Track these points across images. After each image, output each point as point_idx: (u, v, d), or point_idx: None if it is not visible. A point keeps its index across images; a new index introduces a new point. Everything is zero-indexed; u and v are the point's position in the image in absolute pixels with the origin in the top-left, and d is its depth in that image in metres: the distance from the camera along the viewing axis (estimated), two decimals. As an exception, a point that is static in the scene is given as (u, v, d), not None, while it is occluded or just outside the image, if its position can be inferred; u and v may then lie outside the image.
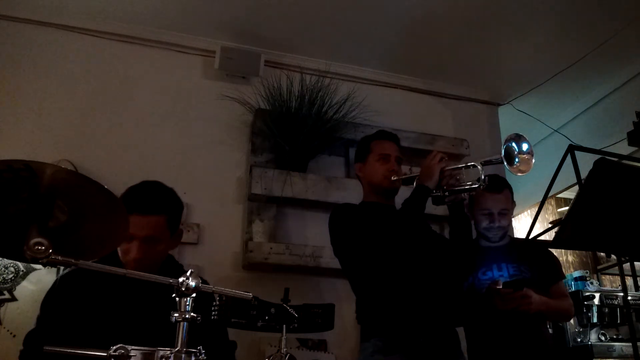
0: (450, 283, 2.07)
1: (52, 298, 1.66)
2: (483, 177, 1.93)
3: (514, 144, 1.93)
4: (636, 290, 3.33)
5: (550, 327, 3.17)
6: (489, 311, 2.06)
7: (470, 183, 1.98)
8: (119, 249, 1.57)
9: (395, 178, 2.07)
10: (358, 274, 2.02)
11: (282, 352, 1.71)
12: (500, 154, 1.89)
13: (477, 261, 2.23)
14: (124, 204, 1.13)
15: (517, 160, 1.92)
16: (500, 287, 2.02)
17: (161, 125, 2.94)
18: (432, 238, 2.15)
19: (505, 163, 1.88)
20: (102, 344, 1.06)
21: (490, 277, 2.16)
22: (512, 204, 2.28)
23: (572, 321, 3.34)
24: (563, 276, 2.28)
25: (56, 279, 1.73)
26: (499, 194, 2.19)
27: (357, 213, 2.05)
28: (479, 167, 1.94)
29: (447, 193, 2.02)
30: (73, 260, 1.03)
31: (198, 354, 1.08)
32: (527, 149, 1.93)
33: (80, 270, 1.27)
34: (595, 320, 3.27)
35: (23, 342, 1.62)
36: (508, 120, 3.75)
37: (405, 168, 3.16)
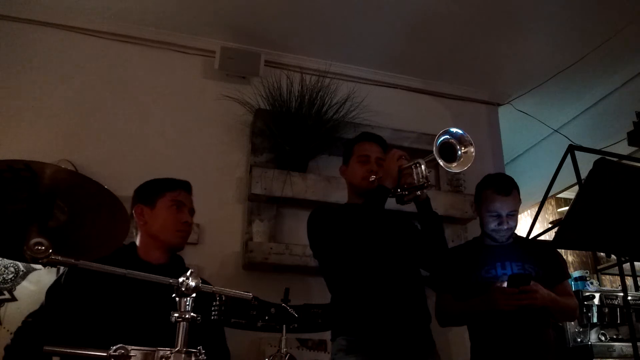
0: (420, 276, 2.05)
1: (57, 290, 1.68)
2: (427, 175, 1.93)
3: (448, 137, 1.94)
4: (636, 290, 3.33)
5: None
6: (491, 311, 2.05)
7: (422, 181, 1.94)
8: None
9: (373, 179, 2.04)
10: (329, 273, 2.07)
11: (282, 352, 1.70)
12: (436, 150, 1.89)
13: (481, 259, 2.21)
14: None
15: (459, 154, 1.93)
16: (505, 285, 2.00)
17: (161, 125, 2.94)
18: (400, 236, 2.09)
19: (440, 161, 1.87)
20: (103, 337, 1.05)
21: (494, 276, 2.15)
22: (519, 203, 2.25)
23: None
24: (568, 276, 2.26)
25: (62, 272, 1.74)
26: (508, 196, 2.17)
27: (331, 215, 2.05)
28: (440, 162, 1.89)
29: (406, 192, 1.98)
30: (73, 260, 1.03)
31: (198, 354, 1.08)
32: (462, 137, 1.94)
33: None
34: (595, 320, 3.26)
35: (15, 333, 1.62)
36: (508, 120, 3.75)
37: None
